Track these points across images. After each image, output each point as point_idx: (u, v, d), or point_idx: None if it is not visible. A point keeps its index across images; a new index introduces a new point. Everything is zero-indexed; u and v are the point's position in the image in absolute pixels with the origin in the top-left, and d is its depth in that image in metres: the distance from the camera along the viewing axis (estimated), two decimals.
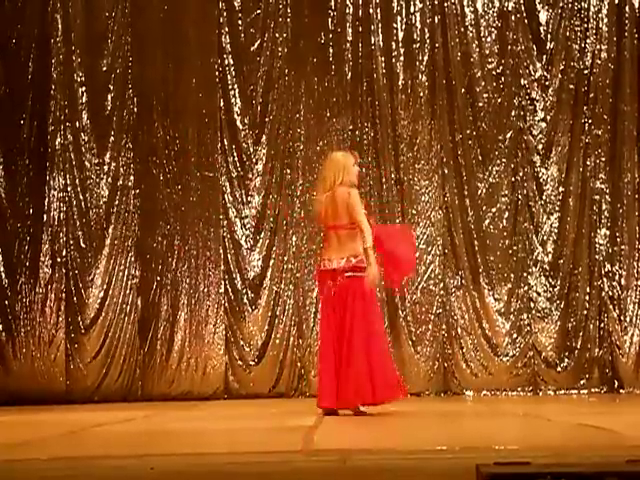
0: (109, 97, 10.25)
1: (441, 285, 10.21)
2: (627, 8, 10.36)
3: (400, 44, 10.36)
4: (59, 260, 10.04)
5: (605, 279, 10.21)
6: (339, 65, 10.33)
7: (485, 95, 10.35)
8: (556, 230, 10.29)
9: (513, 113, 10.36)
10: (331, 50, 10.35)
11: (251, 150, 10.31)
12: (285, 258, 10.20)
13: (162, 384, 10.04)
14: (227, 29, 10.35)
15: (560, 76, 10.38)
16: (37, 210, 10.06)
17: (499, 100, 10.36)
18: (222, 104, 10.31)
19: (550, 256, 10.28)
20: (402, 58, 10.36)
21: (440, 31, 10.36)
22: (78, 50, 10.23)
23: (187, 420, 7.40)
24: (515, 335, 10.18)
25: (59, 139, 10.14)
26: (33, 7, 10.20)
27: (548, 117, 10.38)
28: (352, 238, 7.06)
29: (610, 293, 10.20)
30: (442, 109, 10.34)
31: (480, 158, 10.31)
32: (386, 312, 10.01)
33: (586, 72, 10.35)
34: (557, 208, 10.30)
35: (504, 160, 10.32)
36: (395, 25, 10.38)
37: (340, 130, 10.26)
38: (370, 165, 10.21)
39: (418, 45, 10.36)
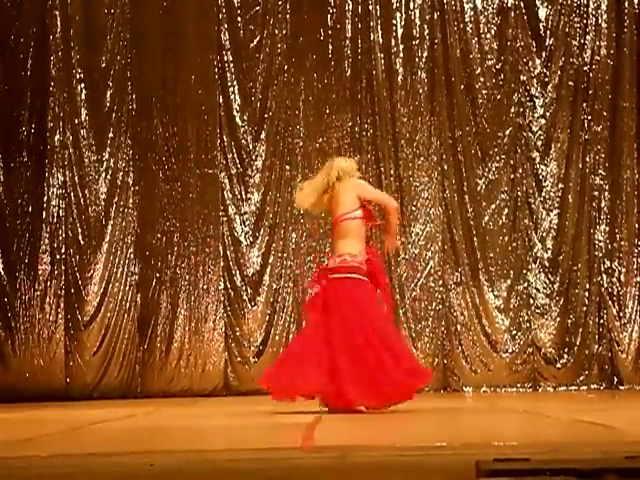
0: (108, 94, 10.24)
1: (440, 282, 10.21)
2: (626, 4, 10.36)
3: (399, 41, 10.36)
4: (58, 257, 10.04)
5: (604, 275, 10.21)
6: (338, 62, 10.33)
7: (484, 91, 10.34)
8: (555, 226, 10.29)
9: (512, 110, 10.36)
10: (330, 47, 10.35)
11: (250, 147, 10.31)
12: (284, 255, 10.20)
13: (162, 381, 10.04)
14: (226, 26, 10.34)
15: (559, 72, 10.38)
16: (36, 207, 10.05)
17: (498, 96, 10.36)
18: (221, 101, 10.30)
19: (549, 252, 10.28)
20: (401, 55, 10.36)
21: (439, 28, 10.36)
22: (77, 47, 10.22)
23: (187, 417, 7.39)
24: (514, 332, 10.18)
25: (58, 136, 10.13)
26: (32, 4, 10.19)
27: (547, 113, 10.38)
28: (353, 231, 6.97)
29: (609, 289, 10.20)
30: (441, 106, 10.34)
31: (479, 155, 10.32)
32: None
33: (585, 68, 10.35)
34: (556, 204, 10.31)
35: (503, 157, 10.33)
36: (394, 22, 10.38)
37: (339, 127, 10.26)
38: (369, 162, 10.21)
39: (417, 42, 10.36)
